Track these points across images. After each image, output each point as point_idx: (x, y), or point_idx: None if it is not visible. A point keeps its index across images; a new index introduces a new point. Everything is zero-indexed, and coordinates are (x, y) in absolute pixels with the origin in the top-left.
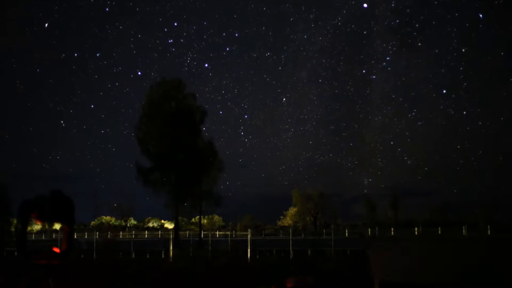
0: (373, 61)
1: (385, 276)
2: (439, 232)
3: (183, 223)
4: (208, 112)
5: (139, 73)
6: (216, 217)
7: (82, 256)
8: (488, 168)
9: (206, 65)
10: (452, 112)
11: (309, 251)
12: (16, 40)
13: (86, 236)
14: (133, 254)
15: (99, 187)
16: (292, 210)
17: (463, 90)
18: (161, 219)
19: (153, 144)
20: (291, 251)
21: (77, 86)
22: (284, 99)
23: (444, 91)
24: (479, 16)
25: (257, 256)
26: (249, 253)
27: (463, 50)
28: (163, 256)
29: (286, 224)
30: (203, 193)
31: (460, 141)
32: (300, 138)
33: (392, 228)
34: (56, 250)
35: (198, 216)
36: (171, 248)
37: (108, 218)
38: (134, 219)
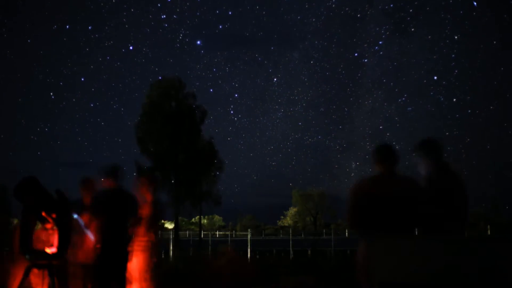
0: (365, 45)
1: (385, 276)
2: None
3: (183, 223)
4: (198, 89)
5: (131, 47)
6: (216, 217)
7: None
8: (474, 156)
9: (198, 42)
10: (442, 99)
11: (309, 251)
12: (8, 10)
13: None
14: None
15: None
16: (292, 210)
17: (454, 77)
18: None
19: (152, 144)
20: (291, 251)
21: (67, 58)
22: (275, 79)
23: (435, 78)
24: (473, 4)
25: (257, 256)
26: (249, 253)
27: (456, 37)
28: (163, 256)
29: (286, 224)
30: (203, 193)
31: (448, 128)
32: (289, 119)
33: None
34: (48, 251)
35: (198, 216)
36: (171, 248)
37: None
38: None
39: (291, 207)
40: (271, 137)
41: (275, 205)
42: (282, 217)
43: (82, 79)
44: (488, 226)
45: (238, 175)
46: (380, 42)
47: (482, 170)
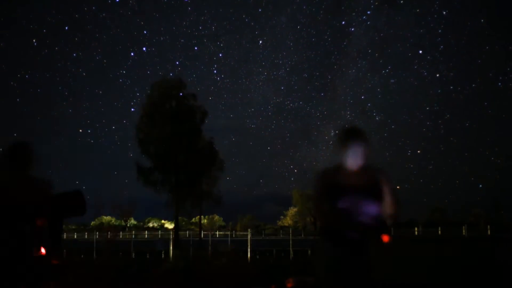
0: (353, 14)
1: (385, 276)
2: (439, 232)
3: (183, 223)
4: (183, 47)
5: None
6: (216, 217)
7: (82, 256)
8: (452, 133)
9: None
10: (426, 73)
11: (309, 251)
12: None
13: (86, 236)
14: (133, 254)
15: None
16: (292, 210)
17: (439, 52)
18: (161, 219)
19: (153, 145)
20: (291, 251)
21: (52, 5)
22: (260, 42)
23: (420, 52)
24: None
25: (257, 256)
26: (249, 253)
27: (444, 13)
28: (163, 256)
29: (286, 224)
30: (203, 193)
31: (429, 103)
32: (272, 82)
33: (392, 228)
34: None
35: (198, 216)
36: (171, 248)
37: (108, 218)
38: (134, 219)
39: (291, 207)
40: (253, 100)
41: (275, 205)
42: (282, 217)
43: (66, 28)
44: (488, 226)
45: (217, 136)
46: (368, 12)
47: (461, 148)
